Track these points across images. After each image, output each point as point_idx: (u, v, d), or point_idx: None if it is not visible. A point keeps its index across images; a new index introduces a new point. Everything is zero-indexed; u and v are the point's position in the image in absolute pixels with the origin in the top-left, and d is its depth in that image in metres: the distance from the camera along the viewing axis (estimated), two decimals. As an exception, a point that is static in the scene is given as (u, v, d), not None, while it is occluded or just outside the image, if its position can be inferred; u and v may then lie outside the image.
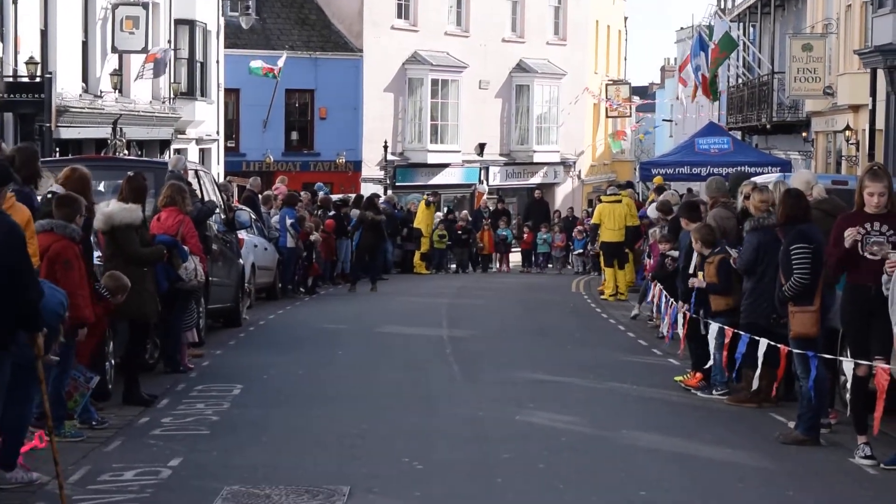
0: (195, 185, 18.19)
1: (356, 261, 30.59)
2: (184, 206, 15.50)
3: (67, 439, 11.14)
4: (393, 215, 36.28)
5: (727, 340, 13.49)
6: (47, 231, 11.05)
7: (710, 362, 14.24)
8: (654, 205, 23.62)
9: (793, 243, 11.80)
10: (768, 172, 25.57)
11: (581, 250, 40.23)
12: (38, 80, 27.29)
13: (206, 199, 18.76)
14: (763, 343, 12.41)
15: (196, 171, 19.50)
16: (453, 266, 40.89)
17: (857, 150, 33.54)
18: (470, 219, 41.62)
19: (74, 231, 11.17)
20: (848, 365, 10.98)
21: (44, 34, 29.14)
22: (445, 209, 45.05)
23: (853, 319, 11.22)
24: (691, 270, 14.87)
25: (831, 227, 11.47)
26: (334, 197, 34.87)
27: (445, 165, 51.92)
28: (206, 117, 40.57)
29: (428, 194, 41.15)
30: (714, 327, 13.92)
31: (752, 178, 17.08)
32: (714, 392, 14.24)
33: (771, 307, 12.60)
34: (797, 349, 11.68)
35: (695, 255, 14.78)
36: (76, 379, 11.74)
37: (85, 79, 31.87)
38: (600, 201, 28.68)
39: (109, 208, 13.54)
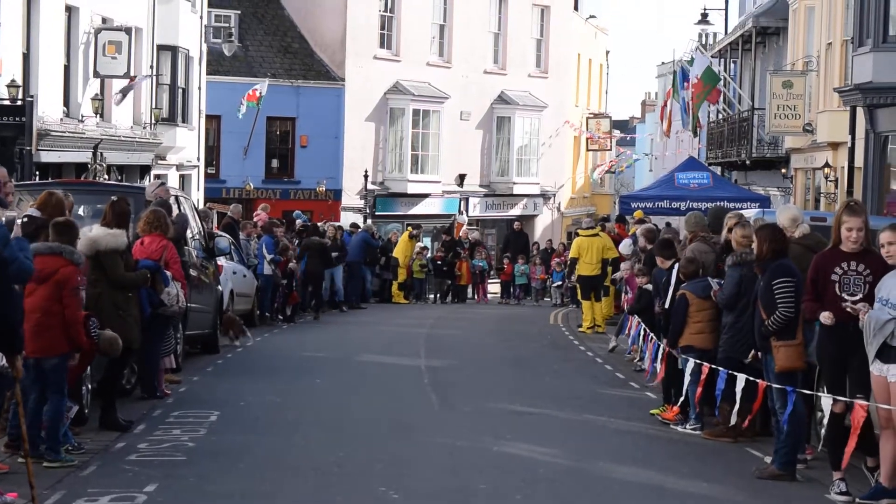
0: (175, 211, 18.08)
1: (302, 287, 30.35)
2: (166, 231, 15.47)
3: (66, 465, 11.16)
4: (371, 244, 36.32)
5: (703, 377, 13.52)
6: (56, 254, 11.10)
7: (682, 398, 14.28)
8: (627, 241, 23.66)
9: (775, 278, 11.77)
10: (747, 208, 25.63)
11: (559, 282, 40.26)
12: (19, 103, 27.26)
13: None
14: (741, 378, 12.42)
15: (176, 197, 19.46)
16: (431, 296, 40.87)
17: (836, 187, 33.66)
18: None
19: (80, 257, 11.20)
20: (826, 401, 10.99)
21: (26, 57, 29.08)
22: (426, 240, 45.04)
23: (830, 356, 11.24)
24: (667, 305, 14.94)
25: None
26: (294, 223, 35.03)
27: (426, 195, 51.96)
28: (186, 143, 40.57)
29: (412, 227, 41.12)
30: (690, 363, 13.94)
31: (738, 211, 16.95)
32: (687, 426, 14.26)
33: (750, 343, 12.62)
34: (780, 384, 11.66)
35: (671, 289, 14.84)
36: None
37: (66, 103, 31.84)
38: (577, 235, 28.63)
39: (94, 233, 13.45)
